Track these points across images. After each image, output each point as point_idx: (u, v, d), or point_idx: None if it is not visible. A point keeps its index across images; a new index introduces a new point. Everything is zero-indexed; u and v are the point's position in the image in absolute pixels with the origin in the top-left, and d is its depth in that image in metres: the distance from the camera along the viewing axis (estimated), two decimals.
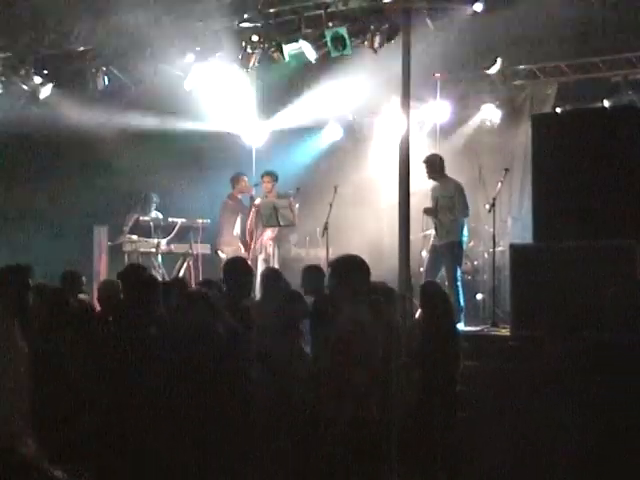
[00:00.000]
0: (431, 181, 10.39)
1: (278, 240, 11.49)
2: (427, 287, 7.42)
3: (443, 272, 10.22)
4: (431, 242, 10.41)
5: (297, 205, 11.58)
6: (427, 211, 10.27)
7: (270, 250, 11.40)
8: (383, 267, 10.28)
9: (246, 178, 12.13)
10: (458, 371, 6.75)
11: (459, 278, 10.06)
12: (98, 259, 12.35)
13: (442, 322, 6.81)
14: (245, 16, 10.70)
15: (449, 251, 10.06)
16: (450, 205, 10.10)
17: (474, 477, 6.77)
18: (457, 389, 6.73)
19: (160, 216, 12.29)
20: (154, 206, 12.43)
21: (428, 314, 6.93)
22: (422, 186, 10.32)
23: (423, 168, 10.22)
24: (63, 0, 11.00)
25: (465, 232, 10.28)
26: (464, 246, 10.37)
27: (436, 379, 6.56)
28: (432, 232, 10.53)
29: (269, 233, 11.48)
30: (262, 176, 11.72)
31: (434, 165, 10.29)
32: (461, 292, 9.93)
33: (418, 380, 6.62)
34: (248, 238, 11.73)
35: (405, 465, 6.17)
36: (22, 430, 4.39)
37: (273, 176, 11.69)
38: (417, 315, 8.71)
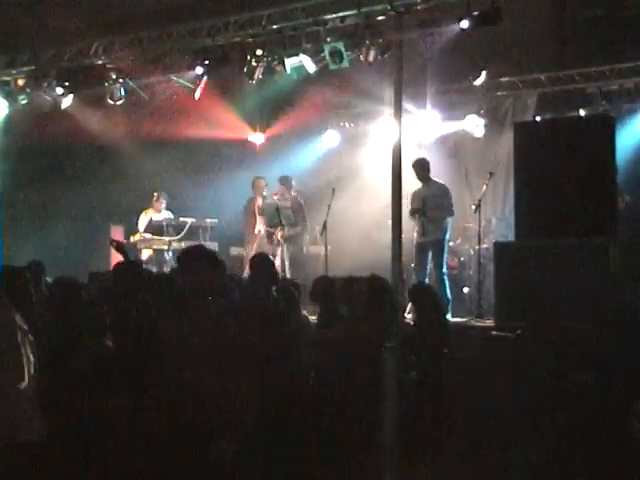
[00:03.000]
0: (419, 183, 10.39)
1: (289, 239, 11.41)
2: (415, 288, 7.45)
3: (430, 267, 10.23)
4: (415, 241, 10.36)
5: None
6: (414, 212, 10.21)
7: (282, 247, 11.35)
8: (378, 263, 10.34)
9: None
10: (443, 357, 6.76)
11: (445, 273, 10.07)
12: (114, 256, 12.35)
13: (432, 315, 6.83)
14: (250, 32, 10.73)
15: (435, 248, 10.04)
16: (436, 205, 10.09)
17: (459, 459, 6.77)
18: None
19: (171, 215, 12.29)
20: (164, 205, 12.42)
21: (419, 309, 6.95)
22: (412, 188, 10.35)
23: (412, 171, 10.24)
24: (83, 18, 11.05)
25: (448, 230, 10.27)
26: (447, 243, 10.38)
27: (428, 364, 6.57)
28: (415, 232, 10.45)
29: (281, 232, 11.40)
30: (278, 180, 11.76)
31: (423, 168, 10.29)
32: (447, 286, 9.94)
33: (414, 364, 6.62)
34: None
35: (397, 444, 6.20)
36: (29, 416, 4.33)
37: (282, 180, 11.68)
38: (408, 309, 8.77)
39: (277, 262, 10.99)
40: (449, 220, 10.19)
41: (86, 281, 7.66)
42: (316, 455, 6.25)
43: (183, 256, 5.25)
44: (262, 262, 6.65)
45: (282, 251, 11.27)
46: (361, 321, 6.29)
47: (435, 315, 6.92)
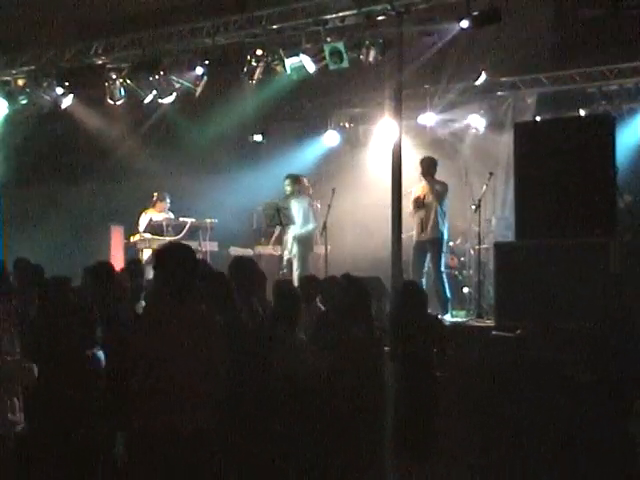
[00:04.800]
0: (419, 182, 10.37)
1: (300, 239, 11.38)
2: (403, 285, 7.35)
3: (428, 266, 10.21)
4: (414, 239, 10.36)
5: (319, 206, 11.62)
6: (416, 201, 10.15)
7: (291, 248, 11.34)
8: (378, 262, 10.35)
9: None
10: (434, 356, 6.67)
11: (444, 272, 10.07)
12: (114, 256, 12.35)
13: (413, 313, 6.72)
14: (250, 32, 10.74)
15: (434, 246, 10.04)
16: (436, 203, 10.08)
17: (455, 462, 6.76)
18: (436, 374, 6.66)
19: (172, 216, 12.28)
20: (167, 207, 12.41)
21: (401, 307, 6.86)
22: (412, 188, 10.33)
23: (419, 167, 10.22)
24: (84, 18, 11.06)
25: (446, 229, 10.27)
26: (446, 242, 10.38)
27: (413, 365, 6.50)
28: (414, 231, 10.44)
29: (291, 232, 11.38)
30: (284, 179, 11.72)
31: (429, 165, 10.28)
32: (447, 285, 9.94)
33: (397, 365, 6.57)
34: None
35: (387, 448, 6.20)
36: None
37: (292, 179, 11.66)
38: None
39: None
40: (446, 219, 10.20)
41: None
42: (317, 457, 6.26)
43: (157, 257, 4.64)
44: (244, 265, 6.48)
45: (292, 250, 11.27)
46: (351, 328, 6.24)
47: (418, 312, 6.78)
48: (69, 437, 4.96)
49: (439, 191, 10.09)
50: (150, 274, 10.80)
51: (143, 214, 12.24)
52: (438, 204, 10.03)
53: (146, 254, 11.92)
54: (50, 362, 5.02)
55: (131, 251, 12.13)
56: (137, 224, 12.17)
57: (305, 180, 11.91)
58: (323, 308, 6.86)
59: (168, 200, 12.27)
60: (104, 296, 6.04)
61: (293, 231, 11.26)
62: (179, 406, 4.05)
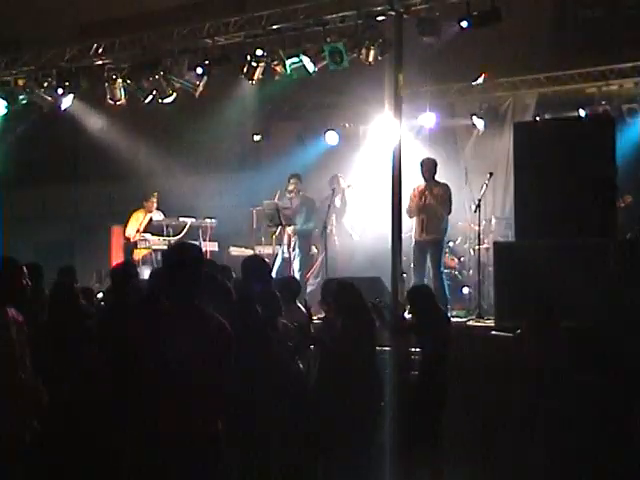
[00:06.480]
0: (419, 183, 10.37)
1: (302, 235, 11.38)
2: (413, 290, 7.42)
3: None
4: (414, 239, 10.35)
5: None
6: (417, 204, 10.18)
7: (293, 246, 11.34)
8: (377, 263, 10.34)
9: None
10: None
11: (443, 272, 10.07)
12: (114, 256, 12.36)
13: (432, 316, 6.82)
14: (250, 32, 10.73)
15: (434, 247, 10.04)
16: (438, 204, 10.08)
17: (455, 462, 6.76)
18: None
19: (162, 215, 12.25)
20: (155, 206, 12.38)
21: (418, 311, 6.94)
22: (411, 188, 10.33)
23: (419, 169, 10.22)
24: (84, 18, 11.06)
25: (447, 229, 10.27)
26: (446, 242, 10.38)
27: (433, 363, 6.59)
28: (412, 231, 10.44)
29: (292, 228, 11.38)
30: (289, 179, 11.73)
31: (430, 167, 10.28)
32: (446, 285, 9.94)
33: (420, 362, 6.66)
34: None
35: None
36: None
37: (297, 178, 11.69)
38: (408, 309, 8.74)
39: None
40: (447, 219, 10.20)
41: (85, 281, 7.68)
42: (317, 456, 6.27)
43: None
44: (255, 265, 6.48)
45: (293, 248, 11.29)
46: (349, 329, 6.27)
47: (435, 315, 6.90)
48: (79, 440, 4.96)
49: (441, 194, 10.09)
50: (145, 274, 10.88)
51: (141, 214, 12.24)
52: (440, 206, 10.03)
53: (144, 253, 11.93)
54: (59, 366, 5.05)
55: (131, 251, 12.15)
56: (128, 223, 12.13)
57: (342, 180, 12.00)
58: (303, 308, 6.89)
59: (154, 199, 12.28)
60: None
61: (294, 227, 11.28)
62: (188, 410, 4.02)
